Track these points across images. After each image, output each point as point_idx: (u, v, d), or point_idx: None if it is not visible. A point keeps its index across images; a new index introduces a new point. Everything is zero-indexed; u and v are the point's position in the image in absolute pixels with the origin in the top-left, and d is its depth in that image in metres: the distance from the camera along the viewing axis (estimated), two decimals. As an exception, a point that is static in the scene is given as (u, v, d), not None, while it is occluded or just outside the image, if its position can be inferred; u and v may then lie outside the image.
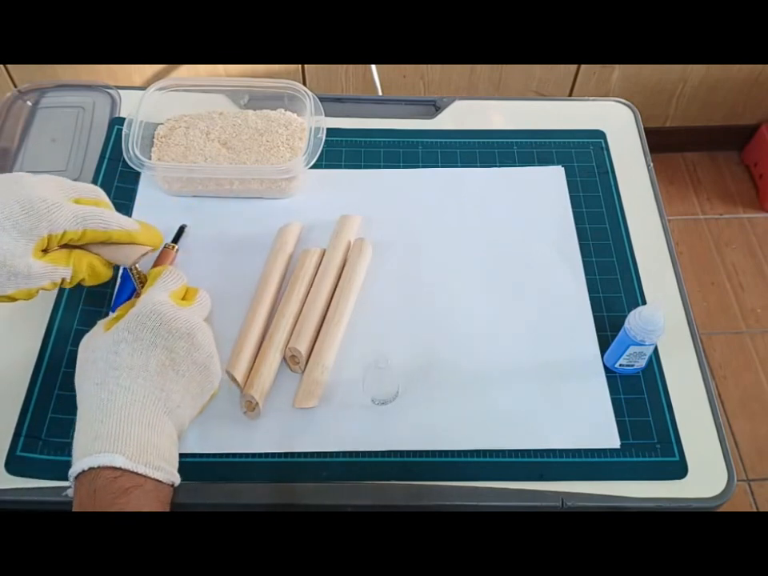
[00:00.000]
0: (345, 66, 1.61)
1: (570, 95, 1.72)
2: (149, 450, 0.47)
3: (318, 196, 0.80)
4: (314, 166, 0.77)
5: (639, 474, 0.63)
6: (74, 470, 0.47)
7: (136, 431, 0.48)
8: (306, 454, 0.63)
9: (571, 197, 0.82)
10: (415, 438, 0.64)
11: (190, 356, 0.53)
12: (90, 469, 0.46)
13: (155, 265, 0.72)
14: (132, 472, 0.46)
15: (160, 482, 0.47)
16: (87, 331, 0.69)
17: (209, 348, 0.54)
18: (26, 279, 0.52)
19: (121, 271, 0.72)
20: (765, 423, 1.51)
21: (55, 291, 0.71)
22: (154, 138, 0.81)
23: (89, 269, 0.56)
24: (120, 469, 0.46)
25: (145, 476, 0.46)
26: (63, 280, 0.56)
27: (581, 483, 0.63)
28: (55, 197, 0.53)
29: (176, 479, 0.48)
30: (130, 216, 0.78)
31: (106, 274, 0.59)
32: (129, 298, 0.71)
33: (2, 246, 0.51)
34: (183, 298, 0.57)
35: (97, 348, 0.52)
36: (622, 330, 0.65)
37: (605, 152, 0.86)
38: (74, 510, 0.46)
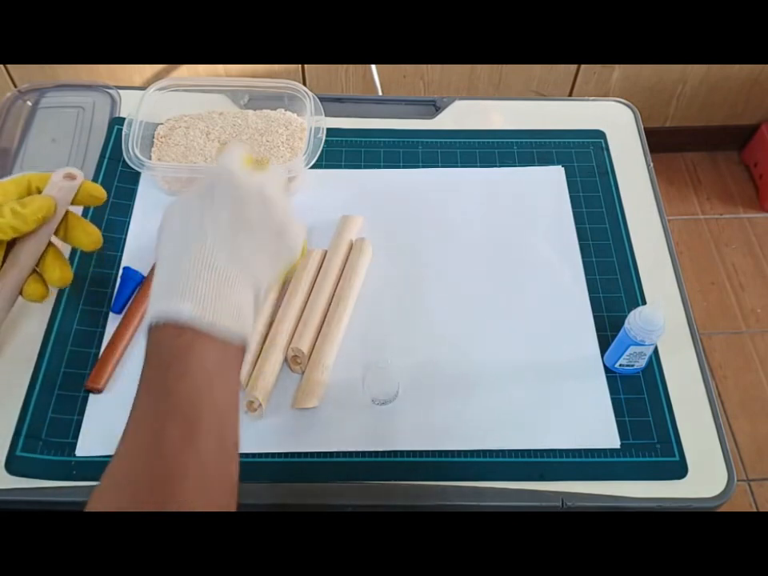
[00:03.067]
0: (345, 66, 1.61)
1: (570, 95, 1.72)
2: (219, 306, 0.44)
3: (318, 196, 0.80)
4: (314, 166, 0.77)
5: (639, 474, 0.63)
6: (147, 318, 0.44)
7: (203, 288, 0.44)
8: (306, 454, 0.63)
9: (571, 197, 0.82)
10: (415, 437, 0.64)
11: (263, 220, 0.49)
12: (156, 325, 0.43)
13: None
14: (196, 329, 0.43)
15: (229, 337, 0.44)
16: (87, 331, 0.69)
17: (281, 215, 0.50)
18: None
19: (121, 271, 0.73)
20: (765, 423, 1.51)
21: (54, 293, 0.71)
22: (153, 138, 0.81)
23: (11, 212, 0.53)
24: (185, 324, 0.43)
25: (209, 333, 0.43)
26: None
27: (581, 483, 0.63)
28: None
29: (246, 339, 0.45)
30: (130, 217, 0.78)
31: (32, 213, 0.54)
32: (129, 298, 0.71)
33: None
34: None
35: (174, 214, 0.49)
36: (622, 330, 0.65)
37: (605, 152, 0.86)
38: (144, 363, 0.44)
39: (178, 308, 0.43)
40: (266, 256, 0.50)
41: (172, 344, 0.43)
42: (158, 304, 0.44)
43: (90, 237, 0.58)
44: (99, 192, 0.58)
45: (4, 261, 0.56)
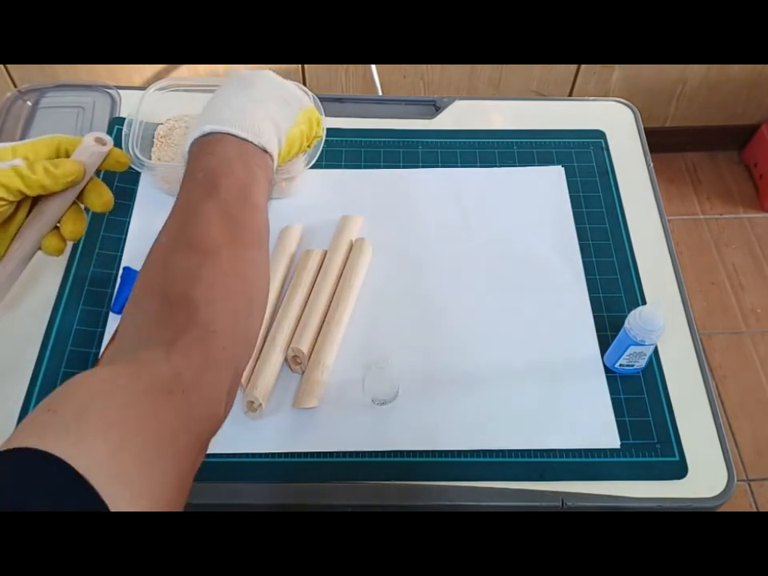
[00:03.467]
0: (345, 66, 1.61)
1: (570, 95, 1.72)
2: (238, 117, 0.54)
3: (318, 196, 0.80)
4: (314, 166, 0.77)
5: (639, 474, 0.63)
6: (186, 146, 0.54)
7: (226, 108, 0.55)
8: (306, 454, 0.63)
9: (571, 197, 0.82)
10: (415, 438, 0.64)
11: (266, 79, 0.60)
12: (192, 142, 0.53)
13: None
14: (219, 131, 0.53)
15: (247, 140, 0.53)
16: (87, 331, 0.69)
17: (280, 80, 0.62)
18: None
19: (121, 271, 0.73)
20: (765, 423, 1.51)
21: (54, 293, 0.71)
22: (153, 138, 0.81)
23: (43, 170, 0.55)
24: (210, 131, 0.53)
25: (228, 132, 0.53)
26: (24, 179, 0.54)
27: (581, 483, 0.63)
28: None
29: (265, 146, 0.54)
30: (130, 217, 0.78)
31: (63, 175, 0.57)
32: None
33: None
34: None
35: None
36: (622, 329, 0.65)
37: (605, 152, 0.86)
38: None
39: (204, 127, 0.53)
40: (278, 102, 0.59)
41: (200, 145, 0.53)
42: (193, 132, 0.54)
43: (101, 198, 0.61)
44: (124, 158, 0.61)
45: (28, 215, 0.59)
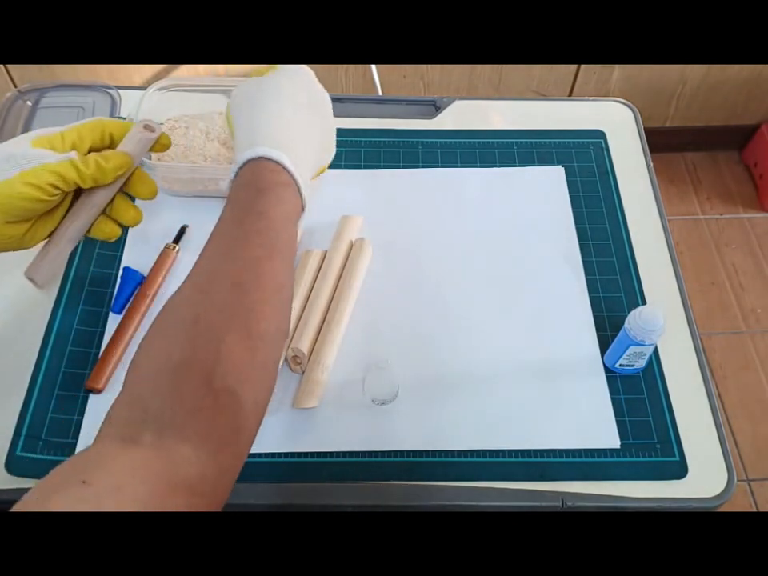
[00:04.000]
0: (345, 66, 1.61)
1: (570, 95, 1.72)
2: (301, 161, 0.52)
3: (318, 196, 0.80)
4: (314, 166, 0.77)
5: (639, 474, 0.63)
6: (239, 161, 0.51)
7: (292, 139, 0.53)
8: (306, 454, 0.63)
9: (571, 197, 0.82)
10: (415, 437, 0.65)
11: (323, 109, 0.60)
12: (254, 159, 0.50)
13: (155, 266, 0.73)
14: (289, 173, 0.50)
15: (301, 195, 0.52)
16: (87, 331, 0.69)
17: (332, 120, 0.61)
18: (24, 159, 0.54)
19: (121, 271, 0.73)
20: (765, 423, 1.51)
21: (54, 293, 0.71)
22: (154, 138, 0.81)
23: (95, 164, 0.57)
24: (278, 163, 0.50)
25: (296, 181, 0.51)
26: (79, 171, 0.56)
27: (581, 483, 0.63)
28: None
29: (306, 203, 0.53)
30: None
31: (113, 169, 0.58)
32: (129, 298, 0.71)
33: (7, 143, 0.56)
34: None
35: (259, 80, 0.57)
36: (622, 329, 0.65)
37: (605, 152, 0.86)
38: (231, 194, 0.50)
39: (280, 154, 0.50)
40: (318, 145, 0.59)
41: (271, 177, 0.50)
42: (262, 143, 0.51)
43: (147, 187, 0.62)
44: (168, 140, 0.63)
45: (74, 200, 0.61)
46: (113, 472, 0.37)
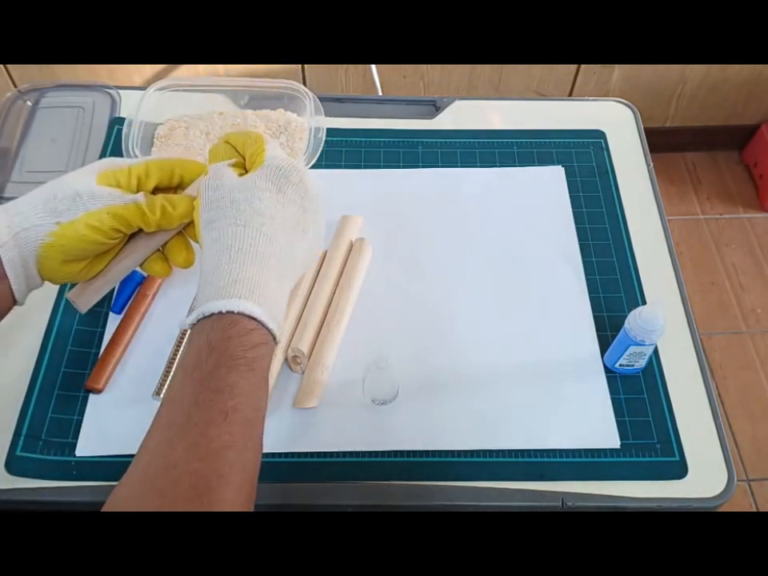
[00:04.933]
0: (345, 66, 1.61)
1: (570, 95, 1.72)
2: (278, 308, 0.47)
3: (318, 196, 0.80)
4: (314, 166, 0.77)
5: (639, 474, 0.63)
6: (205, 310, 0.45)
7: (272, 285, 0.47)
8: (306, 454, 0.63)
9: (571, 197, 0.82)
10: (415, 438, 0.64)
11: (316, 218, 0.53)
12: (228, 313, 0.45)
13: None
14: (264, 327, 0.45)
15: (275, 342, 0.47)
16: (87, 331, 0.69)
17: (322, 220, 0.55)
18: (91, 199, 0.51)
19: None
20: (765, 423, 1.51)
21: (54, 293, 0.71)
22: (154, 138, 0.81)
23: (161, 210, 0.53)
24: (255, 320, 0.45)
25: (272, 334, 0.46)
26: (144, 216, 0.52)
27: (581, 483, 0.63)
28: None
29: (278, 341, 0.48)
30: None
31: (179, 217, 0.54)
32: (129, 298, 0.71)
33: (73, 178, 0.52)
34: None
35: (235, 189, 0.50)
36: (622, 330, 0.65)
37: (605, 152, 0.86)
38: (192, 351, 0.45)
39: (251, 307, 0.45)
40: (306, 261, 0.54)
41: (242, 340, 0.44)
42: (228, 294, 0.45)
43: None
44: None
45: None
46: None
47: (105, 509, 0.40)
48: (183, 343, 0.67)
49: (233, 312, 0.45)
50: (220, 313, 0.45)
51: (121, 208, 0.51)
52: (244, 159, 0.54)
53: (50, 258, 0.51)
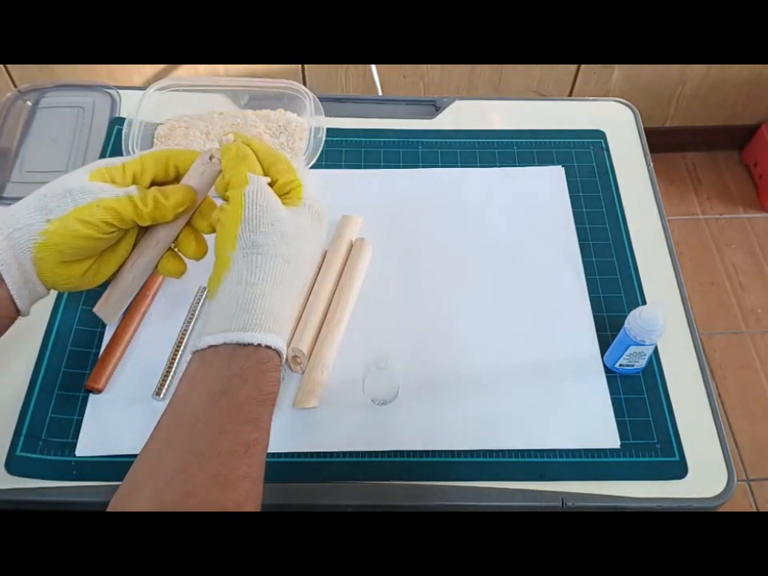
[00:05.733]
0: (345, 66, 1.61)
1: (570, 95, 1.72)
2: (289, 341, 0.50)
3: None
4: (314, 166, 0.77)
5: (639, 474, 0.63)
6: (245, 338, 0.46)
7: (288, 318, 0.49)
8: (306, 454, 0.63)
9: (571, 197, 0.82)
10: (415, 438, 0.64)
11: (317, 256, 0.56)
12: (266, 347, 0.46)
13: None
14: (280, 357, 0.47)
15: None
16: (87, 331, 0.69)
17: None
18: (81, 194, 0.50)
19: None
20: (765, 423, 1.51)
21: (54, 293, 0.71)
22: (154, 138, 0.81)
23: (153, 201, 0.51)
24: (280, 357, 0.47)
25: (283, 364, 0.48)
26: (136, 209, 0.51)
27: (581, 483, 0.63)
28: None
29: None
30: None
31: (173, 207, 0.53)
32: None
33: (66, 177, 0.52)
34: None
35: (284, 222, 0.50)
36: (622, 329, 0.65)
37: (605, 152, 0.86)
38: (219, 376, 0.45)
39: (276, 340, 0.47)
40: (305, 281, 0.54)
41: (266, 374, 0.46)
42: (267, 327, 0.46)
43: (206, 220, 0.56)
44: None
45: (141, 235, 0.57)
46: None
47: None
48: (182, 348, 0.67)
49: (270, 347, 0.46)
50: (259, 345, 0.46)
51: (112, 201, 0.50)
52: (268, 176, 0.53)
53: (46, 259, 0.50)
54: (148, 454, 0.43)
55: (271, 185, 0.52)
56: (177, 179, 0.55)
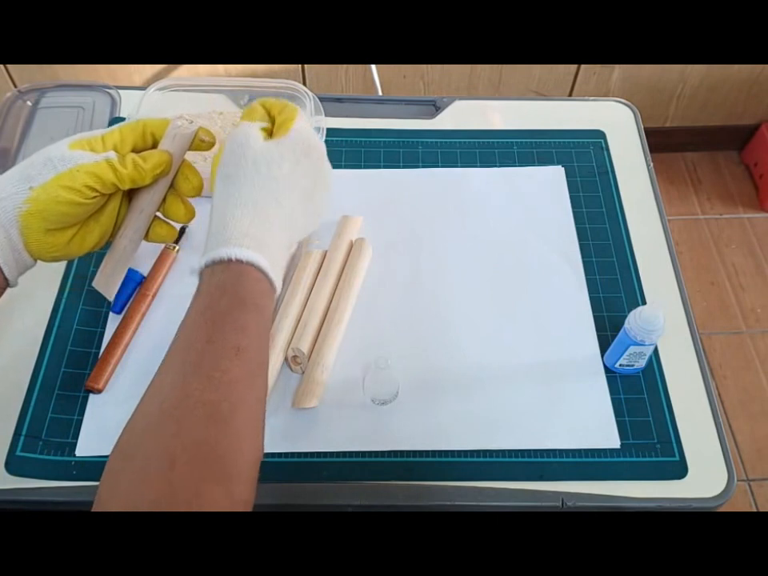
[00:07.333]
0: (345, 66, 1.61)
1: (570, 95, 1.72)
2: (278, 267, 0.50)
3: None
4: (314, 166, 0.76)
5: (639, 473, 0.63)
6: (217, 254, 0.47)
7: (276, 244, 0.50)
8: (306, 454, 0.63)
9: (571, 197, 0.82)
10: (415, 438, 0.64)
11: (323, 194, 0.56)
12: (237, 261, 0.47)
13: (155, 266, 0.73)
14: (268, 278, 0.48)
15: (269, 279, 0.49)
16: (87, 331, 0.69)
17: (331, 189, 0.57)
18: (61, 161, 0.52)
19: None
20: (765, 423, 1.51)
21: (54, 293, 0.71)
22: (154, 138, 0.81)
23: (132, 163, 0.54)
24: (262, 272, 0.48)
25: (274, 287, 0.49)
26: (116, 172, 0.53)
27: (581, 483, 0.63)
28: None
29: (277, 283, 0.50)
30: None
31: (152, 169, 0.55)
32: (129, 298, 0.71)
33: (48, 147, 0.53)
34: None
35: (259, 153, 0.52)
36: (622, 330, 0.65)
37: (605, 152, 0.86)
38: (203, 293, 0.47)
39: (267, 263, 0.48)
40: (309, 224, 0.56)
41: (255, 287, 0.48)
42: (248, 244, 0.48)
43: (189, 183, 0.59)
44: (211, 136, 0.59)
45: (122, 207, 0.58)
46: None
47: (121, 441, 0.42)
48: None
49: (242, 261, 0.47)
50: (230, 260, 0.47)
51: (91, 165, 0.52)
52: (273, 124, 0.55)
53: (31, 227, 0.51)
54: (152, 383, 0.45)
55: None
56: (154, 147, 0.58)
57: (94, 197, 0.53)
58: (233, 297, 0.46)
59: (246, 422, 0.43)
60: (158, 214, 0.59)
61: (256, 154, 0.52)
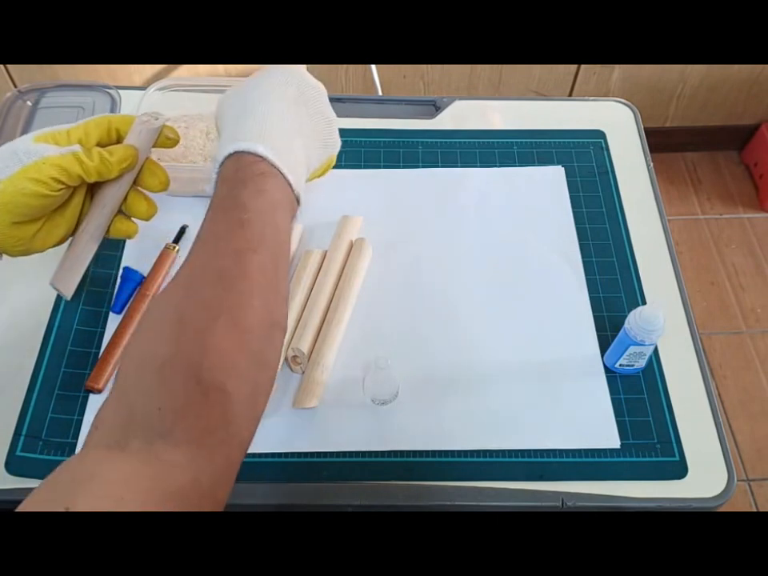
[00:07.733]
0: (345, 66, 1.61)
1: (570, 95, 1.72)
2: (287, 152, 0.50)
3: (318, 196, 0.80)
4: (314, 166, 0.76)
5: (639, 473, 0.63)
6: (218, 156, 0.49)
7: (277, 132, 0.51)
8: (305, 454, 0.63)
9: (571, 197, 0.82)
10: (415, 437, 0.64)
11: (318, 103, 0.57)
12: (235, 153, 0.49)
13: (155, 266, 0.73)
14: (270, 162, 0.49)
15: (290, 186, 0.50)
16: (87, 331, 0.69)
17: (331, 112, 0.58)
18: (26, 154, 0.53)
19: (121, 271, 0.73)
20: (765, 423, 1.51)
21: (54, 293, 0.71)
22: (154, 138, 0.81)
23: (98, 156, 0.55)
24: (261, 156, 0.49)
25: (279, 170, 0.49)
26: (82, 164, 0.54)
27: (581, 483, 0.63)
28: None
29: (301, 196, 0.51)
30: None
31: (118, 162, 0.56)
32: (129, 298, 0.71)
33: (13, 141, 0.55)
34: None
35: (245, 83, 0.55)
36: (622, 330, 0.65)
37: (605, 152, 0.86)
38: (214, 192, 0.49)
39: (257, 145, 0.49)
40: (317, 141, 0.57)
41: (252, 169, 0.48)
42: (242, 138, 0.49)
43: (156, 178, 0.60)
44: (174, 134, 0.61)
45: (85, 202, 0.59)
46: (100, 491, 0.36)
47: (145, 311, 0.45)
48: None
49: (238, 152, 0.49)
50: (228, 155, 0.49)
51: (57, 158, 0.53)
52: None
53: None
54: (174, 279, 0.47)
55: None
56: (119, 143, 0.59)
57: (60, 189, 0.54)
58: (230, 180, 0.48)
59: (258, 285, 0.44)
60: (122, 208, 0.60)
61: (245, 82, 0.55)
